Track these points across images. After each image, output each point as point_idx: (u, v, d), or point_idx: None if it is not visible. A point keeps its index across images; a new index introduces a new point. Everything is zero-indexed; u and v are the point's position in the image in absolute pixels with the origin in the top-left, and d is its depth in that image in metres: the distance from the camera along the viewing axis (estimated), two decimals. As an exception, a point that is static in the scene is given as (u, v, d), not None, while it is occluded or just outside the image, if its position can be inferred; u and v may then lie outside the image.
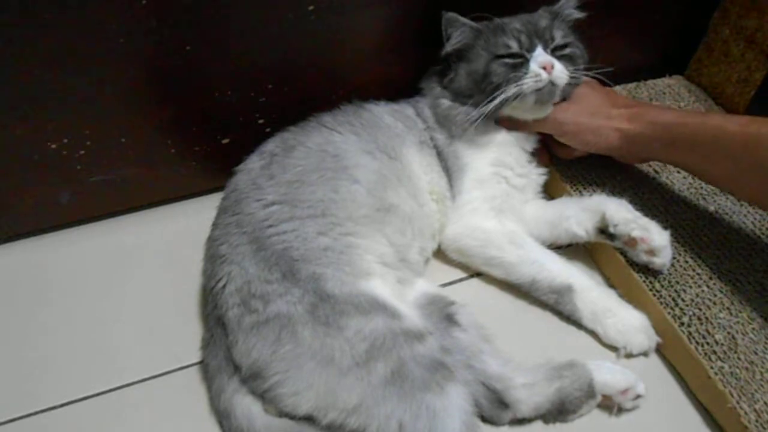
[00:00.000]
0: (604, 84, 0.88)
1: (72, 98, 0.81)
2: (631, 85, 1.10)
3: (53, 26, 0.73)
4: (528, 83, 0.80)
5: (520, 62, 0.82)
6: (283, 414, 0.68)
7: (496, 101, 0.81)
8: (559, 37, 0.84)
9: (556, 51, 0.83)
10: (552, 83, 0.80)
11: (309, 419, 0.67)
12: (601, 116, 0.83)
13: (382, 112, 0.89)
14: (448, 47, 0.85)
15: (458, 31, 0.84)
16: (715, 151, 0.73)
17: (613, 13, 0.97)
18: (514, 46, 0.82)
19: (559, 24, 0.85)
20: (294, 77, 0.90)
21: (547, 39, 0.83)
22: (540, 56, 0.81)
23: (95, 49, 0.77)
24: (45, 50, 0.75)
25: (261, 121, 0.93)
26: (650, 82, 1.12)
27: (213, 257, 0.76)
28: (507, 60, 0.82)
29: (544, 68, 0.80)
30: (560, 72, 0.81)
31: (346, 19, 0.86)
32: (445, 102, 0.88)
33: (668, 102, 1.07)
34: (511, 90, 0.80)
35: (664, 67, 1.14)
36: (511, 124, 0.88)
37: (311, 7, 0.83)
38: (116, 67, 0.80)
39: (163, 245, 0.94)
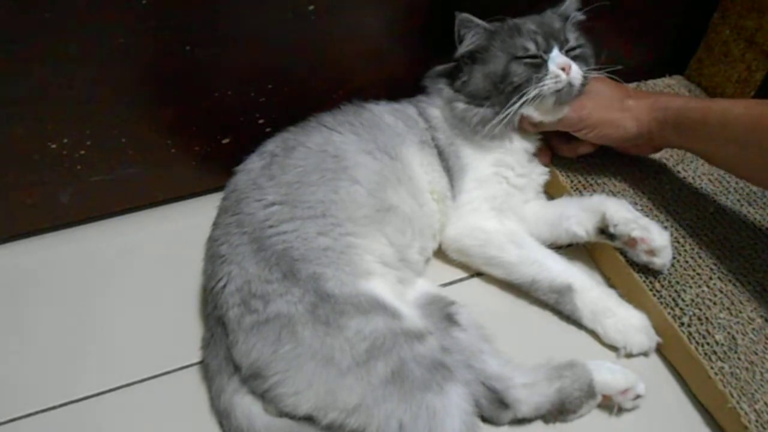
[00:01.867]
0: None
1: (72, 98, 0.81)
2: (631, 86, 1.09)
3: (53, 26, 0.73)
4: (548, 84, 0.81)
5: (538, 63, 0.82)
6: (283, 414, 0.68)
7: (518, 104, 0.81)
8: (572, 38, 0.85)
9: (569, 52, 0.84)
10: (570, 84, 0.81)
11: (309, 419, 0.67)
12: (617, 108, 0.84)
13: (382, 112, 0.89)
14: (462, 49, 0.85)
15: (472, 32, 0.84)
16: (722, 134, 0.74)
17: (613, 13, 0.97)
18: (532, 48, 0.83)
19: (569, 26, 0.86)
20: (294, 77, 0.90)
21: (562, 40, 0.84)
22: (558, 57, 0.82)
23: (95, 49, 0.77)
24: (45, 50, 0.75)
25: (261, 121, 0.93)
26: (650, 82, 1.12)
27: (213, 257, 0.76)
28: (526, 61, 0.82)
29: (563, 69, 0.81)
30: (576, 72, 0.82)
31: (347, 19, 0.86)
32: (460, 105, 0.87)
33: (668, 102, 1.07)
34: (532, 92, 0.81)
35: (664, 67, 1.14)
36: (532, 126, 0.88)
37: (311, 7, 0.83)
38: (116, 67, 0.80)
39: (163, 245, 0.94)
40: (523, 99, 0.81)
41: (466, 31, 0.84)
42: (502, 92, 0.83)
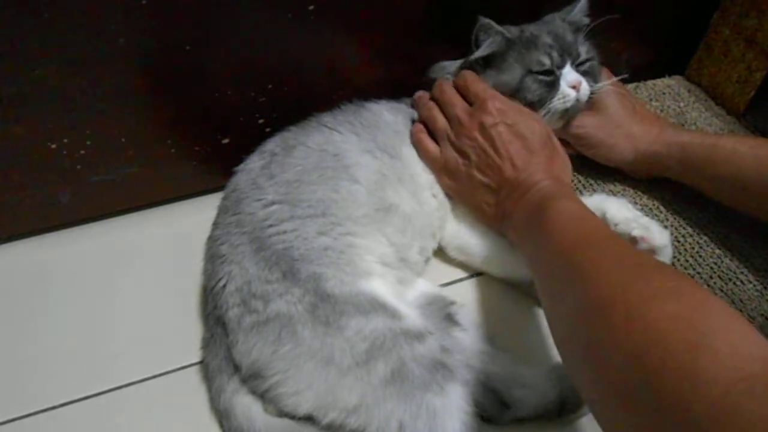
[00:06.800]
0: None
1: (72, 98, 0.81)
2: (631, 86, 1.10)
3: (53, 26, 0.73)
4: (557, 105, 0.82)
5: (551, 80, 0.83)
6: (283, 414, 0.68)
7: None
8: (583, 52, 0.86)
9: (580, 66, 0.85)
10: (578, 100, 0.83)
11: (309, 419, 0.67)
12: (619, 135, 0.85)
13: (382, 111, 0.88)
14: (478, 54, 0.84)
15: (490, 39, 0.83)
16: (727, 173, 0.76)
17: (612, 14, 0.97)
18: (547, 63, 0.83)
19: (581, 38, 0.87)
20: (294, 77, 0.90)
21: (574, 55, 0.84)
22: (569, 75, 0.83)
23: (95, 49, 0.77)
24: (44, 50, 0.75)
25: (261, 121, 0.93)
26: (650, 82, 1.12)
27: (213, 257, 0.76)
28: (540, 77, 0.83)
29: (573, 87, 0.82)
30: (585, 89, 0.83)
31: (347, 19, 0.86)
32: None
33: (668, 102, 1.07)
34: (542, 112, 0.82)
35: (664, 67, 1.14)
36: None
37: (311, 7, 0.83)
38: (116, 67, 0.80)
39: (163, 245, 0.94)
40: None
41: (485, 37, 0.83)
42: None
